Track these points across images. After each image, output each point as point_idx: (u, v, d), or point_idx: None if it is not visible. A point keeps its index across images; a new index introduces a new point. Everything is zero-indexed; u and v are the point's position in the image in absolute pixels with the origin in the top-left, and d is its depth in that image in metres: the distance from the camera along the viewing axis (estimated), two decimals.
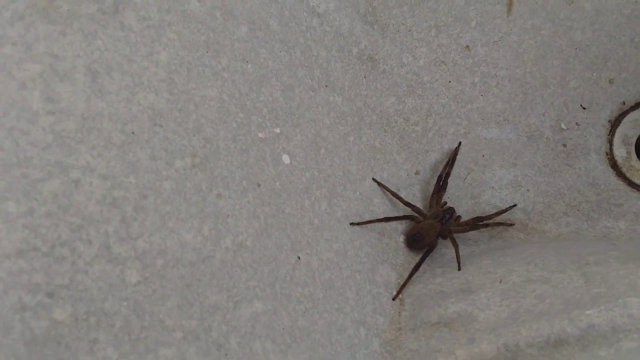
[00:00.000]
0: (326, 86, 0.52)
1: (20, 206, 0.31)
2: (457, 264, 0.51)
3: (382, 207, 0.53)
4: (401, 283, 0.50)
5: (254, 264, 0.39)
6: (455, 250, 0.51)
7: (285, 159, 0.46)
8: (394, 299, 0.49)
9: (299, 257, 0.43)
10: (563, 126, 0.60)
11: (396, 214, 0.54)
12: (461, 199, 0.58)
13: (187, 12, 0.40)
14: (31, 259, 0.30)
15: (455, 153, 0.57)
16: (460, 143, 0.58)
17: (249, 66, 0.45)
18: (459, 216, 0.55)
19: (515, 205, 0.58)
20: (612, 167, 0.59)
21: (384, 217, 0.51)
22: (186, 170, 0.37)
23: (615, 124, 0.59)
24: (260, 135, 0.44)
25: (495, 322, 0.43)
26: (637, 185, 0.58)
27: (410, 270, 0.51)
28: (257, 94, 0.45)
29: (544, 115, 0.60)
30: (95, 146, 0.33)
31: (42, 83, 0.33)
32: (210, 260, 0.36)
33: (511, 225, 0.57)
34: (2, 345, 0.28)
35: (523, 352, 0.40)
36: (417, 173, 0.57)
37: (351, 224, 0.50)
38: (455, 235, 0.53)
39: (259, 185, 0.42)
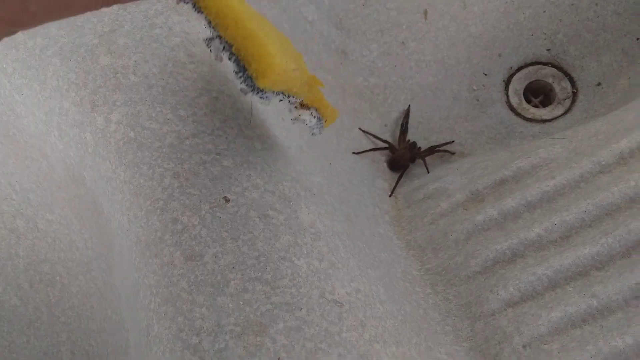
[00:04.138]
0: (320, 68, 0.76)
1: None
2: (426, 170, 0.75)
3: (368, 144, 0.78)
4: (392, 187, 0.74)
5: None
6: (424, 162, 0.76)
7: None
8: (390, 196, 0.73)
9: (330, 164, 0.66)
10: (474, 87, 0.88)
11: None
12: (417, 139, 0.83)
13: None
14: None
15: (408, 111, 0.83)
16: (409, 105, 0.84)
17: None
18: (420, 147, 0.80)
19: (453, 141, 0.83)
20: (511, 110, 0.87)
21: (372, 148, 0.76)
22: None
23: (507, 82, 0.88)
24: None
25: (461, 186, 0.68)
26: (528, 119, 0.87)
27: (396, 179, 0.74)
28: None
29: (460, 82, 0.87)
30: None
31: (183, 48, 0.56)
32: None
33: (453, 153, 0.82)
34: None
35: (481, 192, 0.65)
36: (385, 125, 0.82)
37: (353, 153, 0.73)
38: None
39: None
